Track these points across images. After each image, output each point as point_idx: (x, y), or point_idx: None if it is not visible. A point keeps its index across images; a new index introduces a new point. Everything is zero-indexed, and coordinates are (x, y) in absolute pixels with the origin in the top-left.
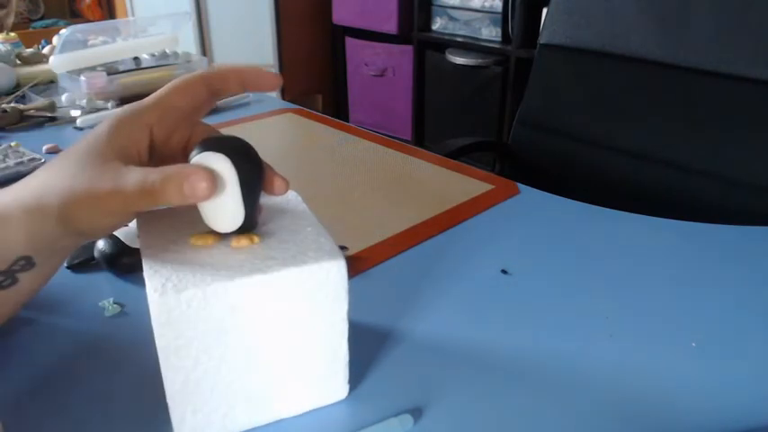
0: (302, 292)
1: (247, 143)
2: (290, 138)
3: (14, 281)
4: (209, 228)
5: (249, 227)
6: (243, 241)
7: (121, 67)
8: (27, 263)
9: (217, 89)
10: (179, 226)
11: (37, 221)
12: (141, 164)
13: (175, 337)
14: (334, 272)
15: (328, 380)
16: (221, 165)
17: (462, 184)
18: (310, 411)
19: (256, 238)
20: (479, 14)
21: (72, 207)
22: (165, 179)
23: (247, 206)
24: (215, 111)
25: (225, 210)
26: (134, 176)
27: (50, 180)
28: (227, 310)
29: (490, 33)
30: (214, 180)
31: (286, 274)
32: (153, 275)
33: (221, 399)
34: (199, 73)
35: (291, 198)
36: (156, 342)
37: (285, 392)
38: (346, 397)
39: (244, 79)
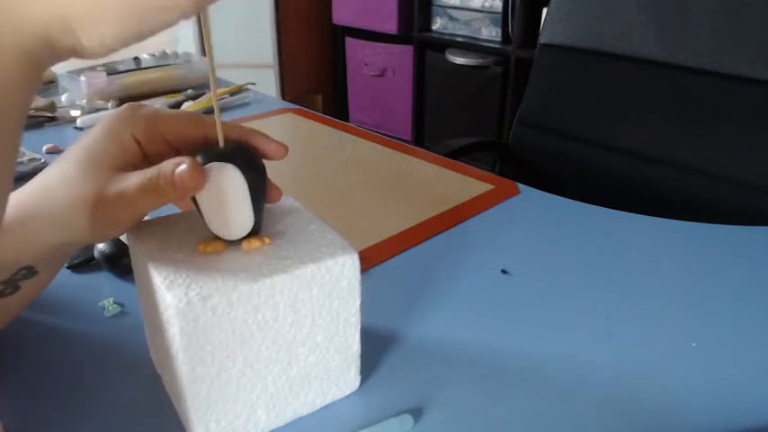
0: (320, 288)
1: (248, 148)
2: (290, 138)
3: (16, 288)
4: (215, 235)
5: (257, 230)
6: (255, 243)
7: (121, 67)
8: (29, 272)
9: (214, 139)
10: (177, 236)
11: (39, 231)
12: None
13: (201, 346)
14: (348, 265)
15: (342, 373)
16: (230, 174)
17: (462, 184)
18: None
19: (267, 240)
20: (479, 14)
21: (77, 216)
22: (158, 174)
23: (256, 211)
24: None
25: (236, 217)
26: (134, 178)
27: (53, 189)
28: (250, 312)
29: (490, 33)
30: (199, 167)
31: (305, 272)
32: (171, 286)
33: (244, 404)
34: (203, 119)
35: (284, 199)
36: (180, 353)
37: (302, 390)
38: (349, 396)
39: (248, 142)
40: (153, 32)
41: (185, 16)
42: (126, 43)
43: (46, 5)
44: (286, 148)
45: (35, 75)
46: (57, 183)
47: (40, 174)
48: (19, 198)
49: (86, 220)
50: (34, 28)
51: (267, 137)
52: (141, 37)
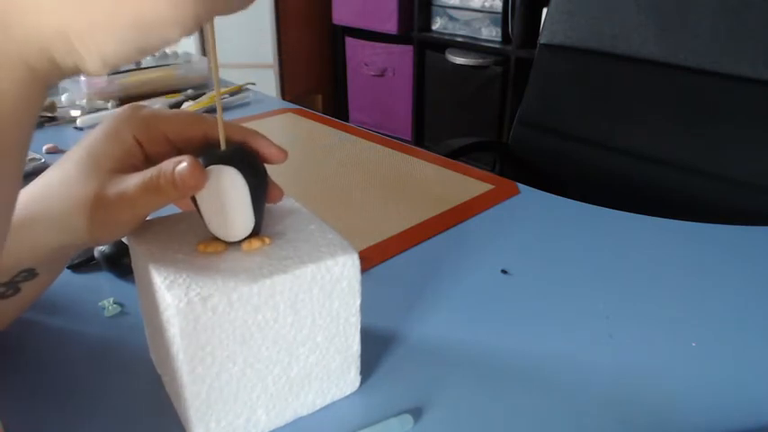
0: (320, 288)
1: (249, 151)
2: (290, 138)
3: (17, 290)
4: (217, 236)
5: (258, 231)
6: (255, 243)
7: (121, 67)
8: (29, 274)
9: (216, 139)
10: (178, 236)
11: (40, 233)
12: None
13: (202, 346)
14: (348, 265)
15: (342, 373)
16: (231, 177)
17: (462, 184)
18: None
19: (267, 240)
20: (479, 14)
21: (78, 218)
22: (159, 174)
23: (257, 213)
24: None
25: (236, 219)
26: (135, 179)
27: (53, 191)
28: (250, 312)
29: (490, 33)
30: (199, 166)
31: (305, 272)
32: (171, 286)
33: (244, 404)
34: (205, 119)
35: (284, 199)
36: (181, 354)
37: (302, 390)
38: (349, 396)
39: (249, 144)
40: (154, 49)
41: (186, 33)
42: (128, 60)
43: (48, 22)
44: (286, 153)
45: (40, 93)
46: (57, 184)
47: (41, 175)
48: (21, 200)
49: (89, 222)
50: (38, 44)
51: (268, 140)
52: (142, 53)
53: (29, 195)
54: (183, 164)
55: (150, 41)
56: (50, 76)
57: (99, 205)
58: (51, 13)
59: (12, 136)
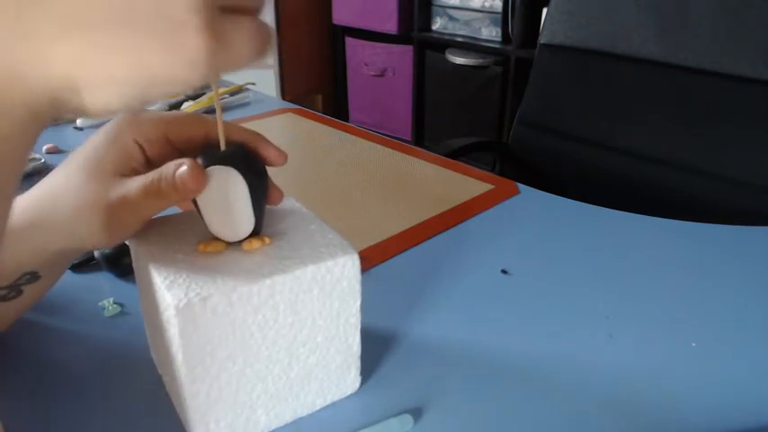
0: (320, 288)
1: (249, 151)
2: (290, 138)
3: (19, 293)
4: (218, 236)
5: (258, 231)
6: (255, 243)
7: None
8: (32, 277)
9: (218, 140)
10: (178, 236)
11: (43, 238)
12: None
13: (201, 346)
14: (349, 266)
15: (342, 374)
16: (231, 178)
17: (462, 184)
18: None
19: (267, 240)
20: (479, 14)
21: (83, 223)
22: (160, 177)
23: (257, 213)
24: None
25: (236, 220)
26: (136, 182)
27: (58, 196)
28: (250, 313)
29: (490, 33)
30: (200, 169)
31: (305, 272)
32: (171, 286)
33: (244, 404)
34: (206, 119)
35: (284, 200)
36: (180, 354)
37: (302, 390)
38: (349, 396)
39: (249, 145)
40: (157, 100)
41: (192, 87)
42: (129, 108)
43: (59, 69)
44: (285, 156)
45: (35, 133)
46: (61, 190)
47: (43, 180)
48: (23, 204)
49: (91, 226)
50: (45, 90)
51: (268, 141)
52: (145, 103)
53: (32, 199)
54: (183, 167)
55: (156, 93)
56: (49, 117)
57: (101, 209)
58: (68, 65)
59: (3, 174)
